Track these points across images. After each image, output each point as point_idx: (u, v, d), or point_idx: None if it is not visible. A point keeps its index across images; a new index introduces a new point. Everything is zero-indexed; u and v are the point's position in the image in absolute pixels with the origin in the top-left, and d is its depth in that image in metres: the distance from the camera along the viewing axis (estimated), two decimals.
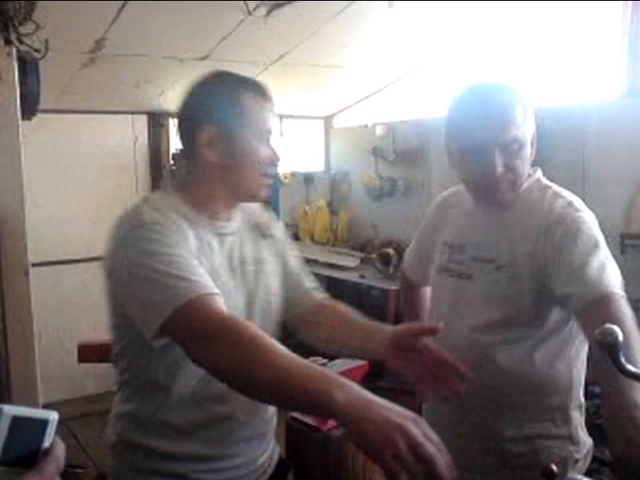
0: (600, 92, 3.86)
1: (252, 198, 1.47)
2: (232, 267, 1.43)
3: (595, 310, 1.38)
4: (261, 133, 1.40)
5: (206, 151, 1.39)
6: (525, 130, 1.51)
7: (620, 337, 1.16)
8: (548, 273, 1.48)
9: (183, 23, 3.55)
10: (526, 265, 1.52)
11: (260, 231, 1.55)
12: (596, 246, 1.46)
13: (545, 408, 1.59)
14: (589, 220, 1.51)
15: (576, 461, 1.61)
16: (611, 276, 1.43)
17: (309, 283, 1.64)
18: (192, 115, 1.42)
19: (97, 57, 3.76)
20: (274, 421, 1.57)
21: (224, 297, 1.28)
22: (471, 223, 1.65)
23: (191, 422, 1.38)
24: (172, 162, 4.90)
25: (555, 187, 1.61)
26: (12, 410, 0.77)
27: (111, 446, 1.47)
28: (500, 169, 1.48)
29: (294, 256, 1.63)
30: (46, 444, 0.81)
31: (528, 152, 1.54)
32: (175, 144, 4.95)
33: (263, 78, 4.73)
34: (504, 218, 1.59)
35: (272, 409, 1.53)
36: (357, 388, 1.06)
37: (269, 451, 1.55)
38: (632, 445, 1.23)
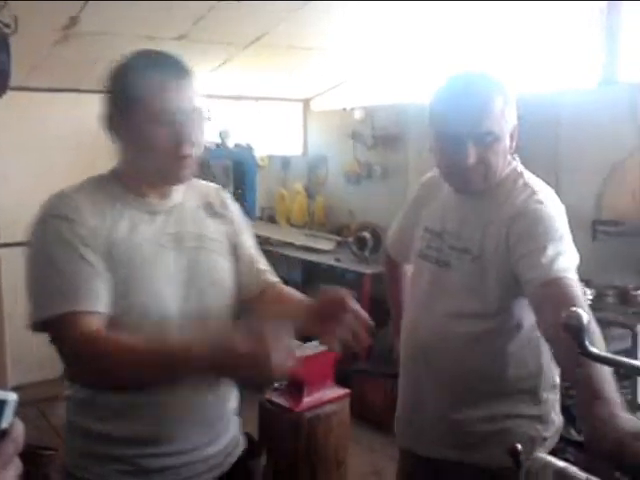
0: (576, 80, 3.89)
1: (166, 180, 1.42)
2: (162, 243, 1.40)
3: (544, 293, 1.41)
4: (156, 113, 1.33)
5: (109, 133, 1.41)
6: (503, 123, 1.52)
7: (585, 320, 1.18)
8: (512, 264, 1.51)
9: (159, 2, 3.50)
10: (494, 257, 1.55)
11: (210, 209, 1.53)
12: (554, 236, 1.48)
13: (516, 391, 1.63)
14: (551, 212, 1.52)
15: (544, 439, 1.65)
16: (565, 263, 1.44)
17: (262, 266, 1.61)
18: (103, 95, 1.43)
19: (71, 34, 3.69)
20: (228, 412, 1.51)
21: (149, 271, 1.35)
22: (450, 210, 1.67)
23: (128, 403, 1.36)
24: None
25: (527, 176, 1.63)
26: None
27: (63, 429, 1.47)
28: (471, 160, 1.50)
29: (248, 239, 1.61)
30: (4, 425, 0.81)
31: (505, 144, 1.55)
32: None
33: (241, 60, 4.70)
34: (479, 208, 1.61)
35: (223, 396, 1.48)
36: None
37: (222, 445, 1.48)
38: (600, 438, 1.24)
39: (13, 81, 2.90)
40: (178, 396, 1.36)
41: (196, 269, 1.43)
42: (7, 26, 2.76)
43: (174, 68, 1.40)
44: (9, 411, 0.81)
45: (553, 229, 1.50)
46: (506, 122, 1.53)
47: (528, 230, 1.50)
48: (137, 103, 1.34)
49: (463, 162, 1.51)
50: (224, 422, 1.50)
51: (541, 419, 1.66)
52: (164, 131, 1.34)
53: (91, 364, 1.25)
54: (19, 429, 0.82)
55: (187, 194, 1.50)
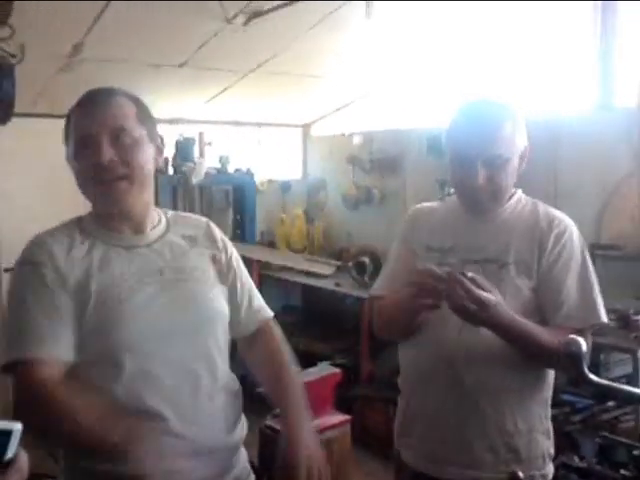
0: (573, 105, 3.94)
1: (102, 210, 1.44)
2: (140, 279, 1.40)
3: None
4: (77, 142, 1.39)
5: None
6: (512, 146, 1.63)
7: (584, 348, 1.20)
8: (542, 276, 1.63)
9: (162, 29, 3.55)
10: (521, 266, 1.63)
11: (192, 241, 1.52)
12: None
13: (534, 404, 1.67)
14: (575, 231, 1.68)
15: (551, 457, 1.69)
16: (599, 309, 1.63)
17: (257, 302, 1.62)
18: None
19: (74, 62, 3.74)
20: (233, 439, 1.47)
21: (128, 306, 1.35)
22: (459, 227, 1.72)
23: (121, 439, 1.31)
24: None
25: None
26: None
27: (60, 456, 1.45)
28: (481, 181, 1.61)
29: (243, 273, 1.59)
30: (9, 455, 0.82)
31: (514, 166, 1.65)
32: None
33: (241, 86, 4.77)
34: (497, 221, 1.69)
35: (222, 424, 1.44)
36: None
37: (218, 470, 1.43)
38: None
39: (18, 107, 2.94)
40: (177, 427, 1.35)
41: (176, 302, 1.41)
42: (13, 56, 2.80)
43: (100, 95, 1.43)
44: (14, 441, 0.82)
45: (584, 256, 1.65)
46: (515, 145, 1.64)
47: (564, 252, 1.63)
48: (70, 138, 1.41)
49: (473, 184, 1.62)
50: (231, 449, 1.47)
51: (549, 434, 1.70)
52: (86, 155, 1.37)
53: (26, 412, 1.28)
54: (23, 459, 0.84)
55: (168, 227, 1.51)
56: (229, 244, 1.61)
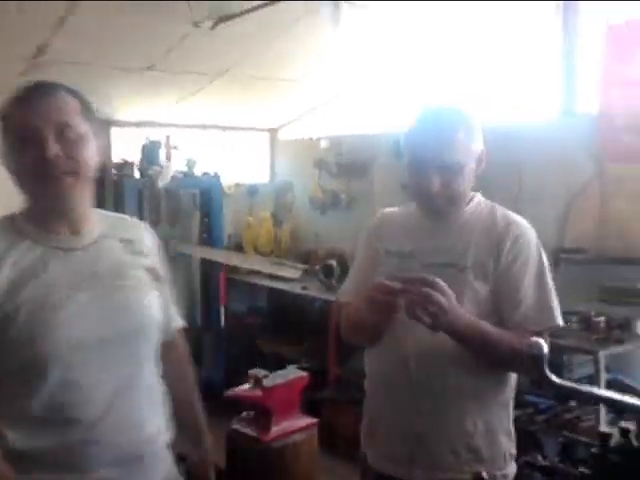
0: (537, 111, 4.01)
1: (43, 207, 1.39)
2: (75, 284, 1.36)
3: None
4: (18, 137, 1.33)
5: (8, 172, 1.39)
6: (468, 152, 1.64)
7: (546, 350, 1.23)
8: (499, 278, 1.65)
9: (128, 32, 3.52)
10: (480, 269, 1.65)
11: (129, 246, 1.49)
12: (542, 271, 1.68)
13: (495, 404, 1.69)
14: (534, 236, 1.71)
15: (512, 457, 1.72)
16: (553, 311, 1.67)
17: (173, 311, 1.61)
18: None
19: (39, 64, 3.68)
20: (160, 445, 1.48)
21: (62, 314, 1.30)
22: (418, 232, 1.74)
23: (40, 449, 1.31)
24: (114, 172, 4.83)
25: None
26: None
27: None
28: (436, 187, 1.63)
29: (166, 279, 1.58)
30: None
31: (470, 170, 1.67)
32: (118, 154, 4.90)
33: (209, 90, 4.74)
34: (455, 225, 1.71)
35: (149, 430, 1.44)
36: None
37: (149, 476, 1.44)
38: None
39: None
40: (99, 435, 1.34)
41: (112, 308, 1.39)
42: None
43: (43, 89, 1.38)
44: None
45: (541, 259, 1.67)
46: (470, 150, 1.65)
47: (521, 254, 1.65)
48: (6, 127, 1.35)
49: (428, 190, 1.64)
50: (154, 453, 1.45)
51: (511, 436, 1.72)
52: (28, 150, 1.31)
53: None
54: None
55: (105, 230, 1.47)
56: (160, 249, 1.60)
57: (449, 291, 1.48)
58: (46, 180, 1.33)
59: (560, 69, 3.82)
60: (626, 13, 3.41)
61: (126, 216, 1.62)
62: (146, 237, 1.56)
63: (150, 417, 1.44)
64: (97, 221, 1.47)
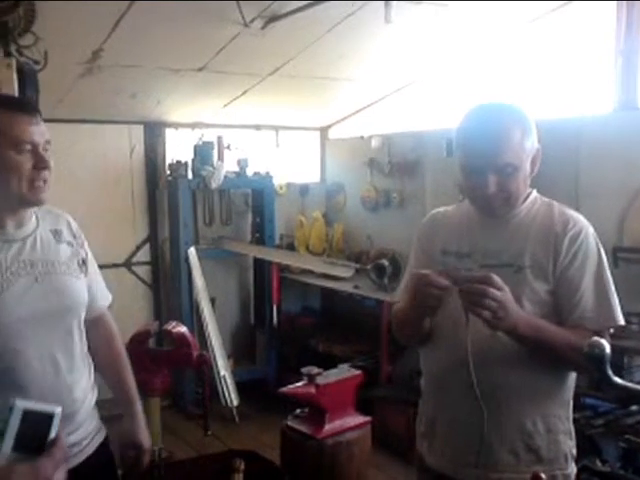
0: (594, 105, 3.91)
1: (25, 203, 1.60)
2: (14, 271, 1.58)
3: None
4: (15, 144, 1.53)
5: None
6: (521, 153, 1.61)
7: (607, 350, 1.20)
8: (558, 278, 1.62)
9: (179, 34, 3.58)
10: (537, 270, 1.62)
11: (59, 236, 1.72)
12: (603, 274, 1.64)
13: (555, 405, 1.67)
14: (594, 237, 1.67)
15: (573, 457, 1.69)
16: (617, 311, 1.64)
17: (100, 291, 1.86)
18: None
19: (94, 67, 3.79)
20: (87, 403, 1.73)
21: (6, 295, 1.53)
22: (476, 233, 1.72)
23: None
24: (168, 173, 4.93)
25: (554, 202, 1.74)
26: (23, 404, 0.91)
27: None
28: (492, 189, 1.61)
29: (92, 264, 1.82)
30: (53, 434, 0.93)
31: (525, 171, 1.64)
32: (172, 155, 4.99)
33: (260, 90, 4.76)
34: (513, 226, 1.68)
35: (78, 392, 1.68)
36: None
37: (81, 431, 1.70)
38: None
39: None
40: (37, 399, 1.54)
41: (48, 295, 1.62)
42: (37, 63, 2.84)
43: (24, 105, 1.65)
44: (56, 422, 0.94)
45: (600, 258, 1.64)
46: (524, 151, 1.62)
47: (579, 253, 1.62)
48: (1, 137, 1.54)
49: (484, 192, 1.62)
50: (84, 413, 1.72)
51: (571, 435, 1.70)
52: (24, 158, 1.54)
53: None
54: (64, 439, 0.95)
55: (39, 221, 1.69)
56: (83, 236, 1.82)
57: (506, 287, 1.47)
58: (39, 180, 1.58)
59: (619, 62, 3.71)
60: None
61: (52, 208, 1.78)
62: (72, 226, 1.79)
63: (79, 380, 1.70)
64: (32, 214, 1.68)
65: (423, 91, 4.94)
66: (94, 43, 3.53)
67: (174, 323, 3.49)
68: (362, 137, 5.29)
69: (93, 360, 1.82)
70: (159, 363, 3.35)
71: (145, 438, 1.89)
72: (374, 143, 5.12)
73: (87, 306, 1.76)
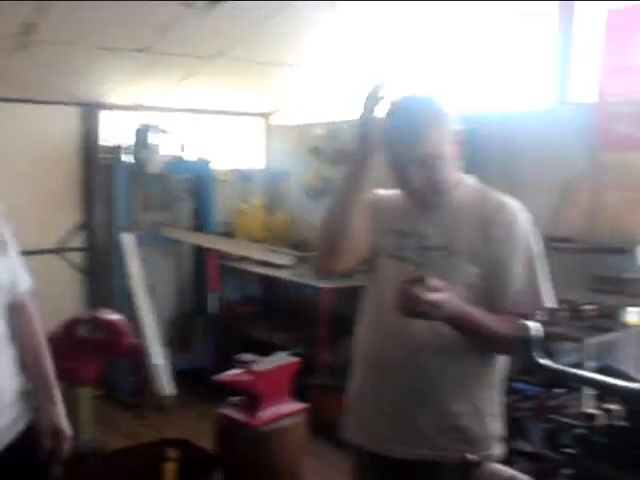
0: (530, 100, 3.99)
1: None
2: None
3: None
4: None
5: None
6: (441, 141, 1.63)
7: (534, 332, 1.22)
8: (487, 261, 1.64)
9: (120, 13, 3.47)
10: (468, 254, 1.64)
11: None
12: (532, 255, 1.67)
13: (486, 385, 1.69)
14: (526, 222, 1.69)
15: (500, 437, 1.71)
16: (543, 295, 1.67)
17: (19, 274, 1.80)
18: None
19: (28, 43, 3.63)
20: (9, 391, 1.72)
21: None
22: (412, 215, 1.73)
23: None
24: (104, 156, 4.80)
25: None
26: None
27: None
28: (416, 182, 1.63)
29: (12, 247, 1.78)
30: None
31: (449, 158, 1.65)
32: (109, 138, 4.86)
33: (203, 73, 4.67)
34: (445, 209, 1.69)
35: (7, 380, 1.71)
36: None
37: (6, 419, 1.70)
38: None
39: None
40: None
41: None
42: None
43: None
44: None
45: (530, 242, 1.65)
46: (443, 139, 1.63)
47: (510, 237, 1.63)
48: None
49: (409, 185, 1.66)
50: (2, 405, 1.71)
51: (498, 417, 1.72)
52: None
53: None
54: None
55: None
56: (4, 219, 1.78)
57: (441, 285, 1.48)
58: None
59: (556, 57, 3.79)
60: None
61: None
62: None
63: (7, 367, 1.71)
64: None
65: (367, 78, 4.93)
66: (25, 15, 3.37)
67: (107, 311, 3.41)
68: (306, 124, 5.27)
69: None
70: (90, 351, 3.26)
71: (64, 424, 1.86)
72: (318, 131, 5.11)
73: (7, 290, 1.72)
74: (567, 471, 1.25)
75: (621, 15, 3.43)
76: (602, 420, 1.15)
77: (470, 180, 1.75)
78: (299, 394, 3.21)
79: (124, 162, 4.72)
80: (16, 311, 1.80)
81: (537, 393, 3.02)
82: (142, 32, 3.79)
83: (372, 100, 1.61)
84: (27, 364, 1.82)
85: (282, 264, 4.86)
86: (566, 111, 3.70)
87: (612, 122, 3.45)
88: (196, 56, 4.23)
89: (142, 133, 4.75)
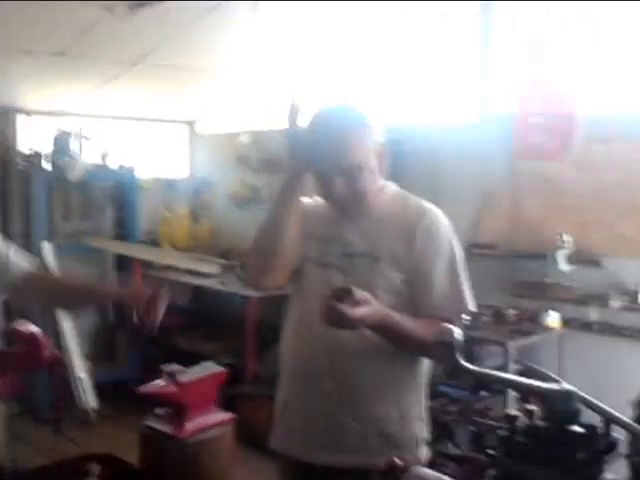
0: (456, 111, 4.10)
1: None
2: None
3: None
4: None
5: None
6: (365, 152, 1.64)
7: (456, 336, 1.24)
8: (412, 267, 1.65)
9: (37, 14, 3.36)
10: (392, 260, 1.65)
11: None
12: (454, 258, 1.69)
13: (410, 389, 1.70)
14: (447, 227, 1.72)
15: (425, 440, 1.73)
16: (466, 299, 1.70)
17: (16, 259, 1.84)
18: None
19: None
20: None
21: None
22: (336, 222, 1.73)
23: None
24: (21, 163, 4.61)
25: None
26: None
27: None
28: (338, 190, 1.64)
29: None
30: None
31: (371, 167, 1.66)
32: (26, 144, 4.68)
33: (125, 78, 4.57)
34: (368, 217, 1.70)
35: None
36: None
37: None
38: None
39: None
40: None
41: None
42: None
43: None
44: None
45: (452, 247, 1.68)
46: (367, 150, 1.64)
47: (432, 243, 1.66)
48: None
49: (332, 195, 1.67)
50: None
51: (423, 419, 1.74)
52: None
53: None
54: None
55: None
56: None
57: (367, 297, 1.47)
58: None
59: (479, 70, 3.91)
60: (542, 14, 3.53)
61: None
62: None
63: None
64: None
65: (292, 87, 4.95)
66: None
67: (23, 322, 3.27)
68: (231, 133, 5.24)
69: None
70: (5, 365, 3.11)
71: None
72: (243, 139, 5.08)
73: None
74: (492, 472, 1.28)
75: (537, 30, 3.58)
76: (523, 421, 1.19)
77: (392, 187, 1.77)
78: (227, 404, 3.17)
79: (43, 169, 4.55)
80: (24, 286, 1.80)
81: (462, 396, 3.09)
82: (60, 35, 3.67)
83: (294, 113, 1.62)
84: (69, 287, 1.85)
85: (208, 273, 4.80)
86: (488, 122, 3.82)
87: (527, 132, 3.60)
88: (116, 61, 4.14)
89: (62, 139, 4.60)
